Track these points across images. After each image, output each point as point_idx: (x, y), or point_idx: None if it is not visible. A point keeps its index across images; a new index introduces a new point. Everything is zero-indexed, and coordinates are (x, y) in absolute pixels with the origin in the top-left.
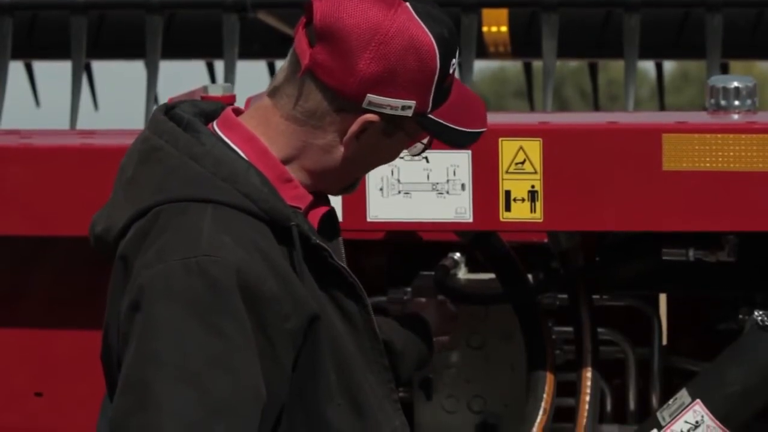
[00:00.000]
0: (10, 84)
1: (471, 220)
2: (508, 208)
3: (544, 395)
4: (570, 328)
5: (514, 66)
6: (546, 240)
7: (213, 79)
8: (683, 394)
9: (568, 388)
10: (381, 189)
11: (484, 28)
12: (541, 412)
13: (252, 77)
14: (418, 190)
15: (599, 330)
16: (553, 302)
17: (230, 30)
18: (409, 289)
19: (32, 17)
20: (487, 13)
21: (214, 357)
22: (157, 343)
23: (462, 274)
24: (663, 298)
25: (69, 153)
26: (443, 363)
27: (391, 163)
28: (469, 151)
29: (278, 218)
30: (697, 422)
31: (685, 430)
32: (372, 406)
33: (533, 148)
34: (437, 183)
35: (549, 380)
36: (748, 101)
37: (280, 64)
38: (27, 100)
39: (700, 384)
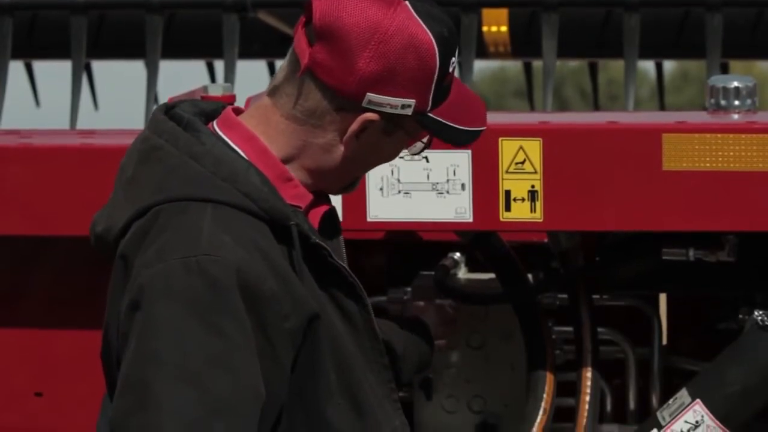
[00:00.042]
0: (10, 84)
1: (471, 220)
2: (508, 208)
3: (544, 395)
4: (570, 328)
5: (514, 66)
6: (546, 240)
7: (213, 79)
8: (683, 394)
9: (568, 388)
10: (381, 189)
11: (484, 28)
12: (541, 412)
13: (252, 77)
14: (418, 189)
15: (599, 330)
16: (553, 302)
17: (230, 30)
18: (409, 289)
19: (32, 17)
20: (487, 13)
21: (214, 356)
22: (157, 342)
23: (462, 274)
24: (663, 298)
25: (69, 153)
26: (443, 363)
27: (391, 163)
28: (469, 151)
29: (278, 217)
30: (697, 422)
31: (685, 429)
32: (372, 406)
33: (533, 147)
34: (437, 183)
35: (549, 380)
36: (748, 101)
37: (280, 63)
38: (27, 100)
39: (700, 384)
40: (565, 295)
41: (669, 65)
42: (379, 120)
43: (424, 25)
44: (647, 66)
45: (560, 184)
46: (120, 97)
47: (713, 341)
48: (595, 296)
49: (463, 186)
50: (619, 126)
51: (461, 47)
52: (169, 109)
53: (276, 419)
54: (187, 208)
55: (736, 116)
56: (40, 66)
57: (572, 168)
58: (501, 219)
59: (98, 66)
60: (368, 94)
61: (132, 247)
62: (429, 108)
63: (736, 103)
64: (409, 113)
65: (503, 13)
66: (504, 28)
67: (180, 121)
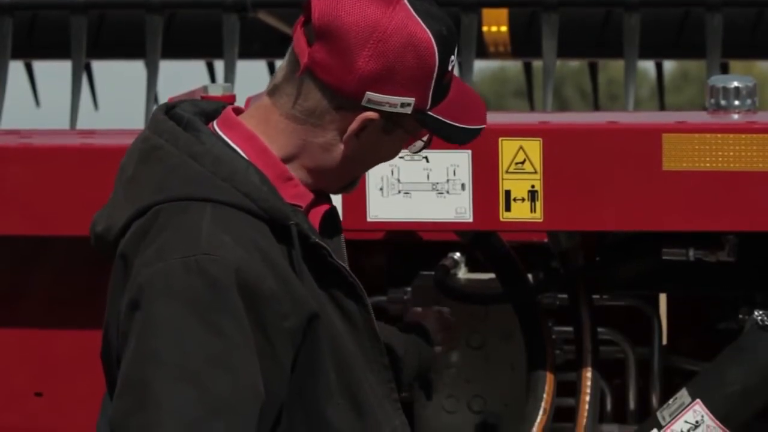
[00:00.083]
0: (10, 84)
1: (471, 219)
2: (508, 208)
3: (544, 395)
4: (570, 328)
5: (514, 66)
6: (546, 240)
7: (213, 79)
8: (683, 394)
9: (568, 388)
10: (381, 189)
11: (484, 28)
12: (541, 412)
13: (252, 77)
14: (418, 189)
15: (599, 330)
16: (553, 302)
17: (230, 30)
18: (409, 289)
19: (32, 17)
20: (487, 13)
21: (214, 356)
22: (157, 341)
23: (462, 273)
24: (663, 297)
25: (69, 153)
26: (443, 363)
27: (391, 163)
28: (469, 151)
29: (277, 217)
30: (697, 422)
31: (685, 429)
32: (372, 406)
33: (533, 147)
34: (437, 183)
35: (549, 380)
36: (748, 101)
37: (280, 63)
38: (27, 100)
39: (700, 384)
40: (565, 295)
41: (669, 65)
42: (379, 119)
43: (423, 24)
44: (647, 66)
45: (560, 184)
46: (120, 97)
47: (713, 341)
48: (595, 296)
49: (463, 186)
50: (619, 126)
51: (461, 47)
52: (170, 108)
53: (276, 419)
54: (187, 208)
55: (736, 116)
56: (40, 66)
57: (572, 168)
58: (501, 219)
59: (98, 66)
60: (368, 92)
61: (132, 246)
62: (428, 106)
63: (736, 103)
64: (409, 112)
65: (503, 13)
66: (504, 28)
67: (180, 121)
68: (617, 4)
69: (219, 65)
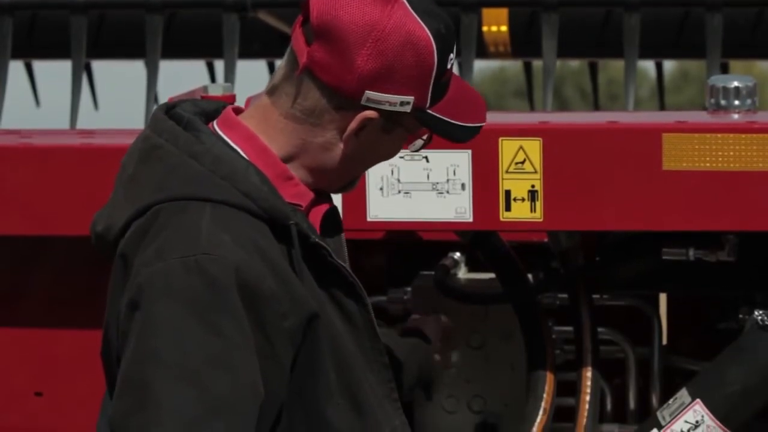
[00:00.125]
0: (10, 84)
1: (471, 219)
2: (508, 208)
3: (544, 395)
4: (570, 328)
5: (514, 66)
6: (546, 239)
7: (213, 79)
8: (683, 394)
9: (568, 388)
10: (381, 189)
11: (484, 28)
12: (541, 412)
13: (252, 77)
14: (418, 189)
15: (599, 330)
16: (553, 302)
17: (230, 30)
18: (409, 289)
19: (32, 17)
20: (487, 13)
21: (213, 355)
22: (157, 341)
23: (462, 273)
24: (663, 297)
25: (69, 153)
26: (443, 363)
27: (391, 163)
28: (469, 151)
29: (277, 217)
30: (697, 422)
31: (685, 429)
32: (372, 405)
33: (533, 147)
34: (437, 183)
35: (549, 380)
36: (748, 101)
37: (279, 63)
38: (27, 100)
39: (700, 384)
40: (565, 295)
41: (669, 65)
42: (378, 118)
43: (421, 22)
44: (647, 66)
45: (560, 183)
46: (120, 97)
47: (713, 341)
48: (595, 296)
49: (463, 186)
50: (619, 126)
51: (461, 47)
52: (170, 108)
53: (275, 418)
54: (187, 208)
55: (736, 116)
56: (40, 66)
57: (572, 168)
58: (501, 219)
59: (98, 66)
60: (367, 91)
61: (131, 246)
62: (428, 105)
63: (736, 103)
64: (408, 110)
65: (503, 12)
66: (504, 28)
67: (180, 121)
68: (617, 4)
69: (219, 65)
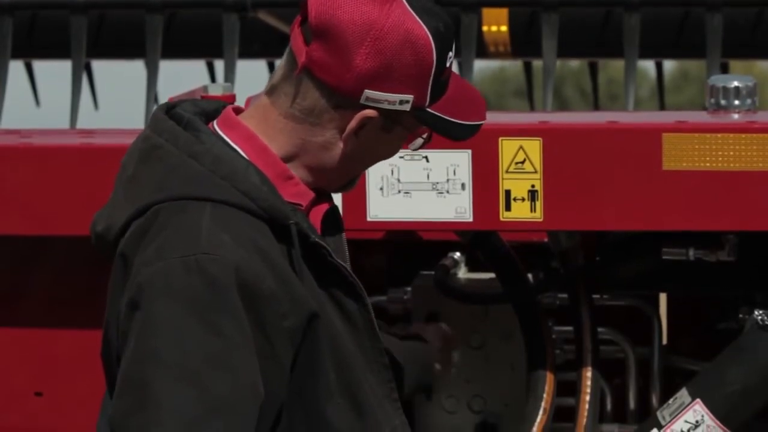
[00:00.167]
0: (10, 84)
1: (471, 219)
2: (508, 208)
3: (544, 395)
4: (570, 328)
5: (514, 66)
6: (546, 239)
7: (213, 79)
8: (683, 394)
9: (568, 388)
10: (381, 188)
11: (484, 28)
12: (541, 412)
13: (252, 77)
14: (418, 189)
15: (599, 329)
16: (553, 302)
17: (230, 30)
18: (409, 289)
19: (32, 17)
20: (487, 13)
21: (213, 355)
22: (157, 341)
23: (462, 273)
24: (663, 297)
25: (69, 152)
26: (443, 363)
27: (391, 163)
28: (469, 151)
29: (277, 216)
30: (697, 422)
31: (685, 429)
32: (372, 405)
33: (533, 147)
34: (437, 182)
35: (549, 380)
36: (748, 101)
37: (278, 63)
38: (27, 100)
39: (700, 383)
40: (565, 295)
41: (669, 65)
42: (378, 116)
43: (419, 21)
44: (647, 66)
45: (560, 183)
46: (120, 97)
47: (713, 341)
48: (595, 296)
49: (463, 186)
50: (619, 126)
51: (461, 47)
52: (170, 108)
53: (275, 418)
54: (187, 207)
55: (736, 116)
56: (40, 66)
57: (572, 168)
58: (501, 219)
59: (98, 66)
60: (366, 90)
61: (131, 245)
62: (427, 103)
63: (736, 102)
64: (408, 109)
65: (503, 12)
66: (504, 28)
67: (180, 121)
68: (617, 4)
69: (219, 65)
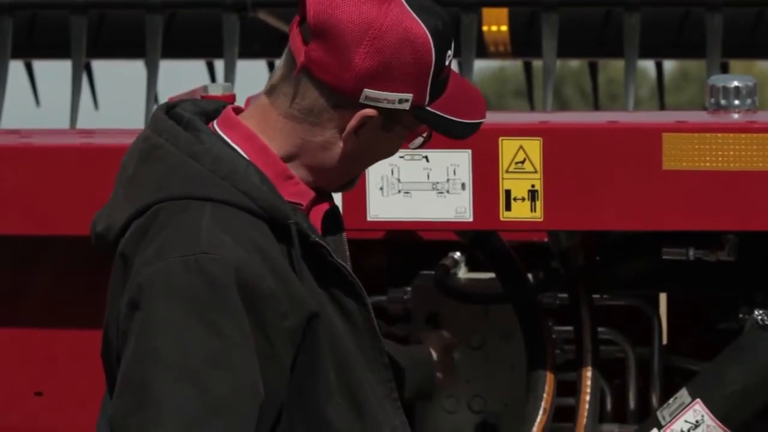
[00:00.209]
0: (10, 83)
1: (471, 219)
2: (508, 208)
3: (544, 395)
4: (570, 328)
5: (514, 65)
6: (546, 239)
7: (213, 79)
8: (683, 394)
9: (568, 388)
10: (381, 188)
11: (484, 28)
12: (541, 412)
13: (252, 77)
14: (418, 189)
15: (599, 329)
16: (553, 301)
17: (230, 30)
18: (409, 289)
19: (32, 17)
20: (487, 12)
21: (213, 355)
22: (157, 341)
23: (462, 273)
24: (663, 297)
25: (69, 152)
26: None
27: (391, 163)
28: (469, 151)
29: (277, 216)
30: (697, 422)
31: (685, 429)
32: (372, 405)
33: (533, 147)
34: (437, 182)
35: (549, 380)
36: (748, 100)
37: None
38: (27, 100)
39: (700, 383)
40: (565, 295)
41: (669, 65)
42: (377, 116)
43: (418, 19)
44: (647, 66)
45: (560, 183)
46: (120, 97)
47: (713, 341)
48: (595, 296)
49: (463, 185)
50: (619, 126)
51: (461, 47)
52: (170, 108)
53: (275, 418)
54: (187, 207)
55: (736, 116)
56: (40, 66)
57: (572, 167)
58: (501, 218)
59: (98, 66)
60: (365, 89)
61: (131, 245)
62: (427, 102)
63: (736, 102)
64: (407, 108)
65: (503, 12)
66: (504, 28)
67: (180, 121)
68: (617, 3)
69: (219, 65)
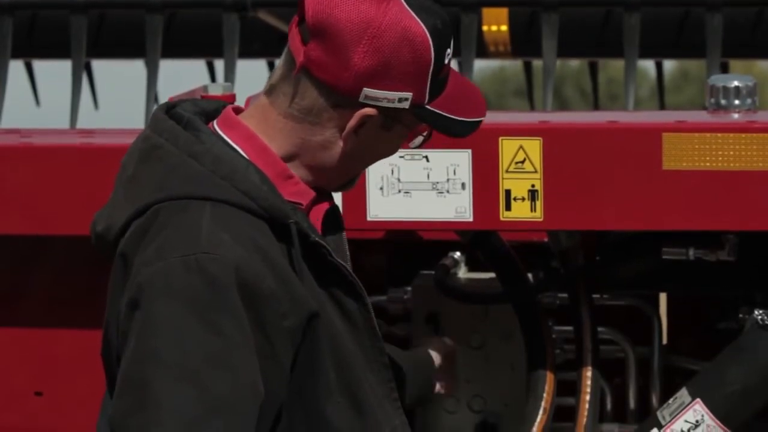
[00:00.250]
0: (10, 83)
1: (471, 219)
2: (508, 207)
3: (544, 395)
4: (570, 328)
5: (514, 65)
6: (546, 239)
7: (213, 79)
8: (683, 394)
9: (568, 388)
10: (381, 188)
11: (484, 27)
12: (541, 412)
13: (252, 76)
14: (418, 189)
15: (599, 329)
16: (553, 301)
17: (230, 29)
18: (409, 289)
19: (32, 17)
20: (487, 12)
21: (213, 355)
22: (157, 340)
23: (462, 273)
24: (663, 297)
25: (69, 152)
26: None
27: (391, 162)
28: (470, 150)
29: (277, 216)
30: (697, 421)
31: (685, 429)
32: (372, 405)
33: (533, 147)
34: (437, 182)
35: (549, 380)
36: (748, 100)
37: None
38: (27, 100)
39: (700, 383)
40: (565, 295)
41: (669, 65)
42: (377, 115)
43: (417, 18)
44: (647, 66)
45: (560, 183)
46: (120, 97)
47: (713, 341)
48: (595, 296)
49: (463, 185)
50: (619, 125)
51: (461, 47)
52: (170, 108)
53: (275, 418)
54: (187, 207)
55: (736, 116)
56: (40, 66)
57: (572, 167)
58: (501, 218)
59: (98, 66)
60: (364, 89)
61: (131, 245)
62: (426, 101)
63: (736, 102)
64: (407, 107)
65: (503, 12)
66: (504, 28)
67: (180, 120)
68: (617, 3)
69: (219, 65)
